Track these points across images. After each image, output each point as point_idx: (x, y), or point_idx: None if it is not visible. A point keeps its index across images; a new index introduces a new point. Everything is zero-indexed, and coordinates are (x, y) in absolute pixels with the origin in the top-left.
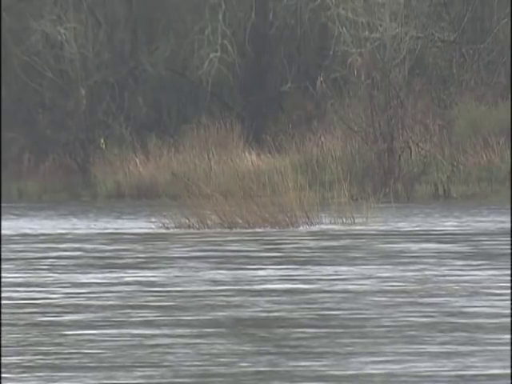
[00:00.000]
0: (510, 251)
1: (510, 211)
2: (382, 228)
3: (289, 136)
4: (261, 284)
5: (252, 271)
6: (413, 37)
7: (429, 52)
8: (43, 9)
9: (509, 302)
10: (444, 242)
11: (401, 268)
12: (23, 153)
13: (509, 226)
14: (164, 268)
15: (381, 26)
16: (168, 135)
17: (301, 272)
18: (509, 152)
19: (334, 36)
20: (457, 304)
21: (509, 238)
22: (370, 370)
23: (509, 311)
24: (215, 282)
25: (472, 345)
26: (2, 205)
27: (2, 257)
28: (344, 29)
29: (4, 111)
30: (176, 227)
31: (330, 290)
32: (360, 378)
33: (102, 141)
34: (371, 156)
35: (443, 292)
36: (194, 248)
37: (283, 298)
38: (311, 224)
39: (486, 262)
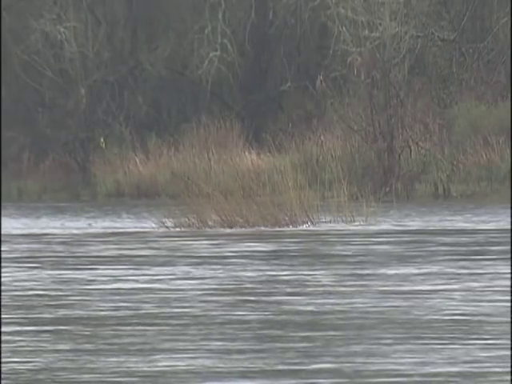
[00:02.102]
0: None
1: (510, 211)
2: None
3: (289, 135)
4: (99, 284)
5: (96, 271)
6: (412, 36)
7: (428, 51)
8: (43, 8)
9: (326, 300)
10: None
11: (237, 268)
12: (23, 152)
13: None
14: (6, 268)
15: (380, 25)
16: (168, 134)
17: (138, 272)
18: (509, 151)
19: (333, 35)
20: (283, 302)
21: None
22: (166, 367)
23: (314, 308)
24: (57, 281)
25: (280, 342)
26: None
27: None
28: (344, 28)
29: (4, 111)
30: (176, 226)
31: (161, 290)
32: (165, 374)
33: (102, 140)
34: (371, 155)
35: (272, 291)
36: (43, 249)
37: (116, 298)
38: (311, 223)
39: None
